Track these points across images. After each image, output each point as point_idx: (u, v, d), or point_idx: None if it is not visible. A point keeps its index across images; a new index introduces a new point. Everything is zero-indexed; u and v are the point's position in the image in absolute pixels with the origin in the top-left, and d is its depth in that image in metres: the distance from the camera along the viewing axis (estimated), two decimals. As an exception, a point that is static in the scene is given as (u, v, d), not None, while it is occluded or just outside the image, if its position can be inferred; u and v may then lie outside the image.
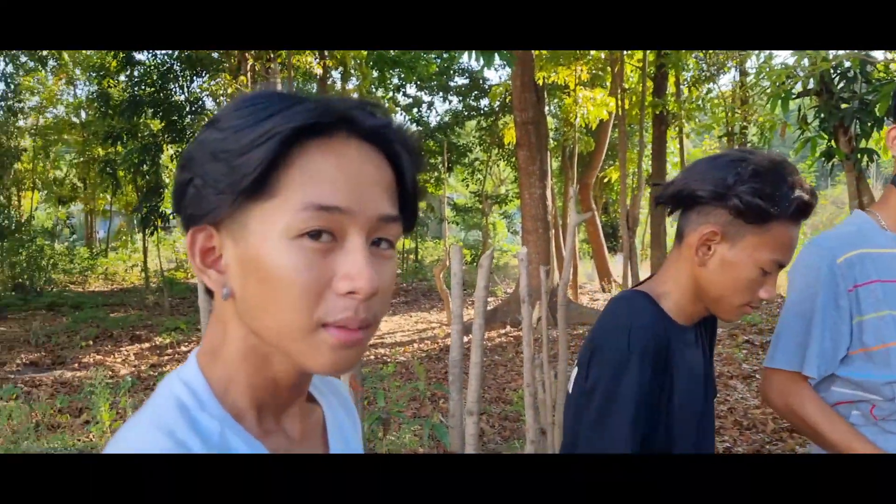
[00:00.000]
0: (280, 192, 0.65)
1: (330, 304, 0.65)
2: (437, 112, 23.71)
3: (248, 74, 13.99)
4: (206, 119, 12.10)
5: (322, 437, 0.84)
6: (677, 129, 14.58)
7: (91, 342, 10.68)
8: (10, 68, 19.51)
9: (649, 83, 12.56)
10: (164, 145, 14.40)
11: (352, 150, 0.68)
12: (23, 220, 20.16)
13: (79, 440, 5.42)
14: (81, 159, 23.38)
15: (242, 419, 0.72)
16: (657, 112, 12.91)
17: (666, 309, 1.39)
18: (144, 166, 14.31)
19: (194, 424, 0.68)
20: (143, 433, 0.66)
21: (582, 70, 13.62)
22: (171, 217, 15.66)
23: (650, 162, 14.43)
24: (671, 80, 13.77)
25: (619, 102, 11.74)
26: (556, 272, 12.17)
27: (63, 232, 31.42)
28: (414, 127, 21.53)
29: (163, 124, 13.98)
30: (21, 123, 21.35)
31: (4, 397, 6.08)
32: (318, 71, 15.37)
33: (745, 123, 14.52)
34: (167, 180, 15.95)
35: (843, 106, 6.77)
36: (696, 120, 13.38)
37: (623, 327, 1.33)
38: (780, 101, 6.58)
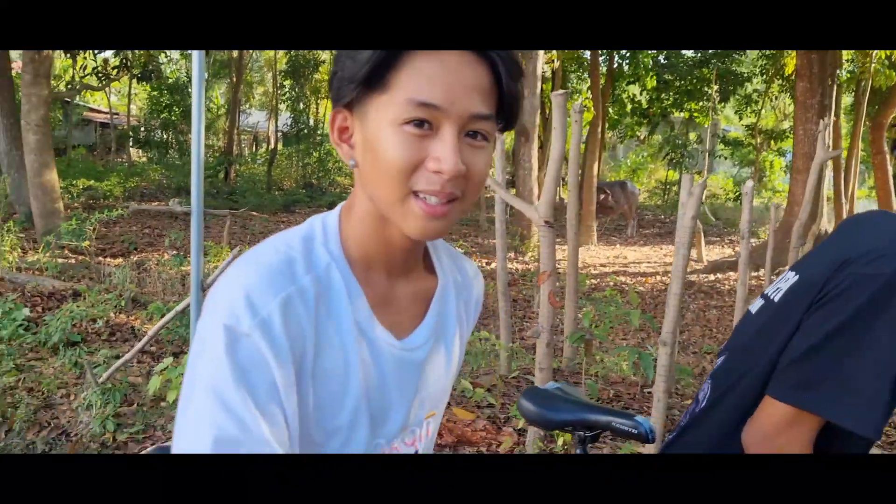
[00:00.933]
0: (391, 88, 0.80)
1: (421, 177, 0.81)
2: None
3: None
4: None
5: (425, 303, 1.00)
6: None
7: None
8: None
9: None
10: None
11: (453, 56, 0.81)
12: (316, 126, 22.24)
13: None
14: (371, 71, 25.10)
15: (354, 264, 0.90)
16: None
17: None
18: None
19: (310, 253, 0.87)
20: (269, 244, 0.87)
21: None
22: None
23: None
24: None
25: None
26: (830, 217, 11.20)
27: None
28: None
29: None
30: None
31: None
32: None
33: None
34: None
35: None
36: None
37: None
38: None
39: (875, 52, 14.06)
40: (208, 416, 0.76)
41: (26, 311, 5.30)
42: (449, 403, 4.03)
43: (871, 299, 1.08)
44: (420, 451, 1.04)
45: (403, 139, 0.80)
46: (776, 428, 1.17)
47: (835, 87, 14.26)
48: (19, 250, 8.16)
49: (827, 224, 12.33)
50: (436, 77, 0.79)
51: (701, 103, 19.70)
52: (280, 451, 0.78)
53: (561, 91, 3.44)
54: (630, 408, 4.18)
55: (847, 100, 19.32)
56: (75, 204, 12.62)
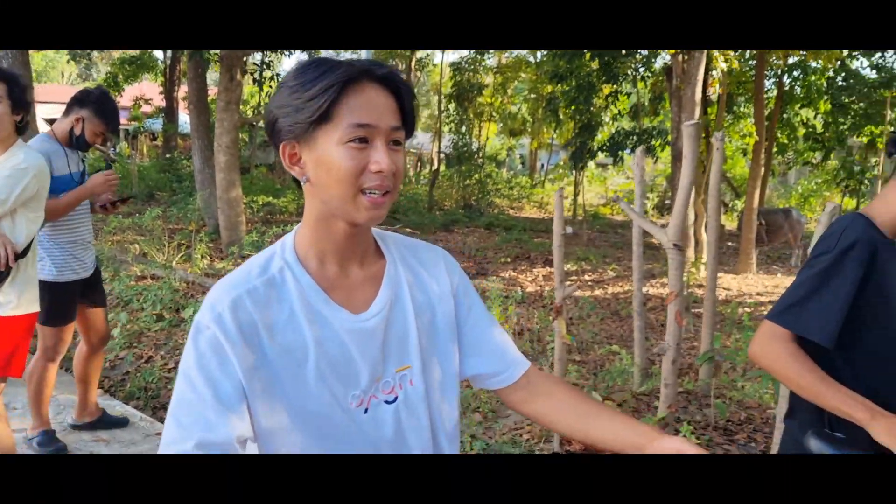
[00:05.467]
0: (334, 119, 1.10)
1: (366, 178, 1.12)
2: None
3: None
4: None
5: (377, 283, 1.27)
6: None
7: (510, 260, 12.14)
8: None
9: None
10: (600, 85, 15.20)
11: (372, 90, 1.13)
12: (477, 149, 22.85)
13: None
14: (532, 96, 25.51)
15: (307, 264, 1.21)
16: None
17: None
18: (580, 104, 15.33)
19: (268, 263, 1.21)
20: (241, 266, 1.22)
21: None
22: (597, 154, 16.59)
23: None
24: None
25: None
26: None
27: (515, 162, 34.62)
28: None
29: (598, 66, 14.74)
30: (487, 62, 24.01)
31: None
32: None
33: None
34: (604, 119, 16.86)
35: None
36: None
37: None
38: None
39: None
40: (177, 387, 1.11)
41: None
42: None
43: None
44: (402, 399, 1.26)
45: (349, 152, 1.10)
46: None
47: None
48: (208, 258, 9.14)
49: None
50: (366, 105, 1.11)
51: (881, 127, 18.57)
52: (228, 412, 1.08)
53: (692, 121, 3.63)
54: (760, 431, 4.24)
55: None
56: (255, 218, 13.80)
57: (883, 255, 1.72)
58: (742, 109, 20.50)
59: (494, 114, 26.02)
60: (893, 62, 19.60)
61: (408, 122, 1.19)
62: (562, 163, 29.59)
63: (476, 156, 22.26)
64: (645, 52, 14.59)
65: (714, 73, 13.62)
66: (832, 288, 1.68)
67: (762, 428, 4.31)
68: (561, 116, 19.11)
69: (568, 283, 10.57)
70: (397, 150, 1.16)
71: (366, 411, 1.22)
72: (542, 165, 31.92)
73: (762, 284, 12.14)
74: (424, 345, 1.30)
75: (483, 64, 23.07)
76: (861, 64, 19.84)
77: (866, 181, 21.29)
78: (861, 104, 18.98)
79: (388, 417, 1.24)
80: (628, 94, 16.99)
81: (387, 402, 1.24)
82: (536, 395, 1.38)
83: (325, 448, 1.18)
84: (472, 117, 22.87)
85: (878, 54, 18.93)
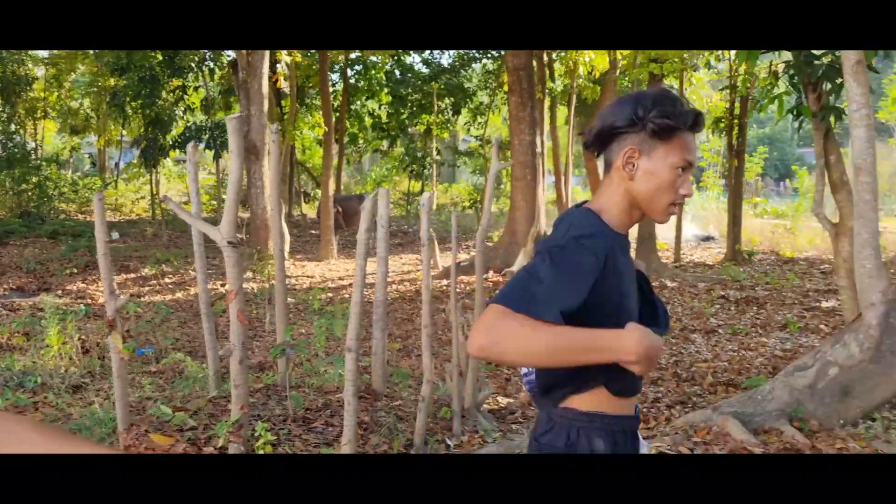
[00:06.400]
0: None
1: None
2: (448, 54, 23.16)
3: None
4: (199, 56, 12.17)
5: None
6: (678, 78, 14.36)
7: (78, 270, 10.99)
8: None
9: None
10: (166, 79, 14.49)
11: None
12: (33, 149, 20.42)
13: (32, 361, 5.73)
14: (94, 90, 23.45)
15: None
16: (651, 59, 12.69)
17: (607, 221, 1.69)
18: (146, 99, 14.45)
19: None
20: None
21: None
22: (171, 151, 15.84)
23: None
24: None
25: (612, 54, 11.60)
26: (542, 221, 12.24)
27: (83, 161, 31.68)
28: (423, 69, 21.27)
29: (162, 58, 14.04)
30: (33, 52, 21.42)
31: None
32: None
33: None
34: (177, 113, 16.11)
35: (815, 63, 6.58)
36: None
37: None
38: (747, 55, 6.49)
39: (581, 68, 15.60)
40: None
41: None
42: (147, 431, 3.93)
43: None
44: None
45: None
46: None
47: (546, 101, 15.57)
48: None
49: (546, 226, 13.45)
50: None
51: (434, 116, 20.65)
52: None
53: (235, 115, 3.50)
54: (337, 414, 4.32)
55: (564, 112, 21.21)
56: None
57: (616, 249, 1.65)
58: (314, 101, 21.28)
59: (50, 110, 23.40)
60: (440, 57, 21.93)
61: None
62: (135, 161, 27.80)
63: (32, 157, 19.85)
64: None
65: (279, 66, 13.81)
66: (566, 271, 1.54)
67: (339, 411, 4.40)
68: (128, 111, 17.85)
69: (148, 286, 9.92)
70: None
71: None
72: (116, 164, 29.67)
73: (343, 269, 12.71)
74: None
75: (29, 54, 20.55)
76: (414, 59, 21.83)
77: (427, 165, 23.59)
78: (416, 96, 20.90)
79: None
80: (197, 88, 16.45)
81: None
82: None
83: None
84: (22, 114, 20.28)
85: (427, 51, 21.04)
